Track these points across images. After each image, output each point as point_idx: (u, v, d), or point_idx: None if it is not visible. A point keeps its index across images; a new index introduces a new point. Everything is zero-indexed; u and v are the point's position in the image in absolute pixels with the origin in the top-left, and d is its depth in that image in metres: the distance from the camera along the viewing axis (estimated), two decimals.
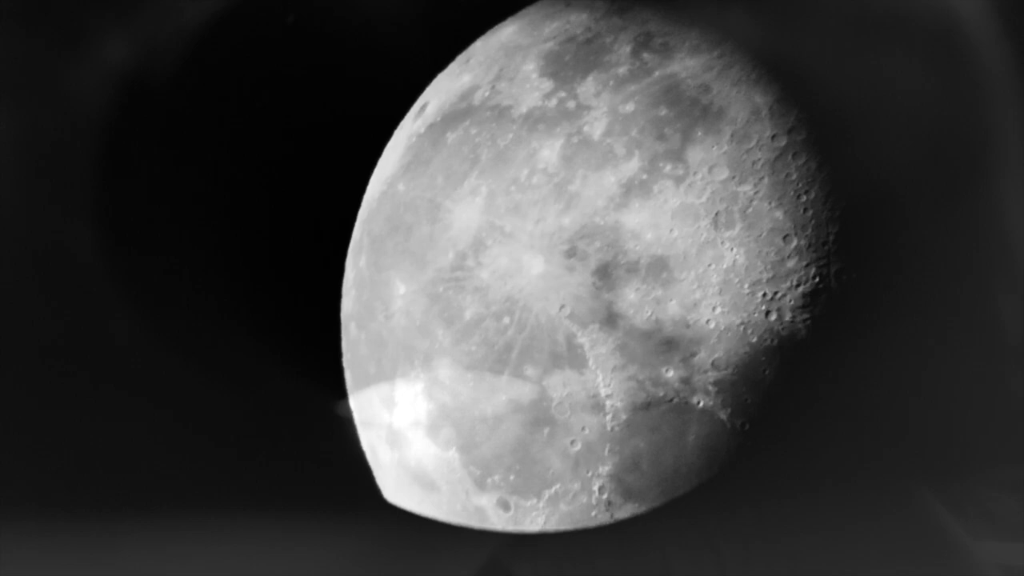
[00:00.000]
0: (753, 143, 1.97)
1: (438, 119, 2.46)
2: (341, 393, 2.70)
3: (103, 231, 2.97)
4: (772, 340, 1.91)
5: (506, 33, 2.57)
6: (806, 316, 1.91)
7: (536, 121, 2.18)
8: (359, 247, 2.65)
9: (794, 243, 1.92)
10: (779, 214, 1.92)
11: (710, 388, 1.93)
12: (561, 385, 2.03)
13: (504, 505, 2.18)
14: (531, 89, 2.25)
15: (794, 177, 1.94)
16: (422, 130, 2.51)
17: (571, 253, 2.02)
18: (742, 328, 1.91)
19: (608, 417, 2.00)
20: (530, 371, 2.06)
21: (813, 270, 1.91)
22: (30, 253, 2.84)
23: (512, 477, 2.14)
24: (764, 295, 1.91)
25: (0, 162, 2.80)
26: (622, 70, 2.14)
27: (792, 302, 1.91)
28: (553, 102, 2.18)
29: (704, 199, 1.94)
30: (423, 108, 2.63)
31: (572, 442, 2.04)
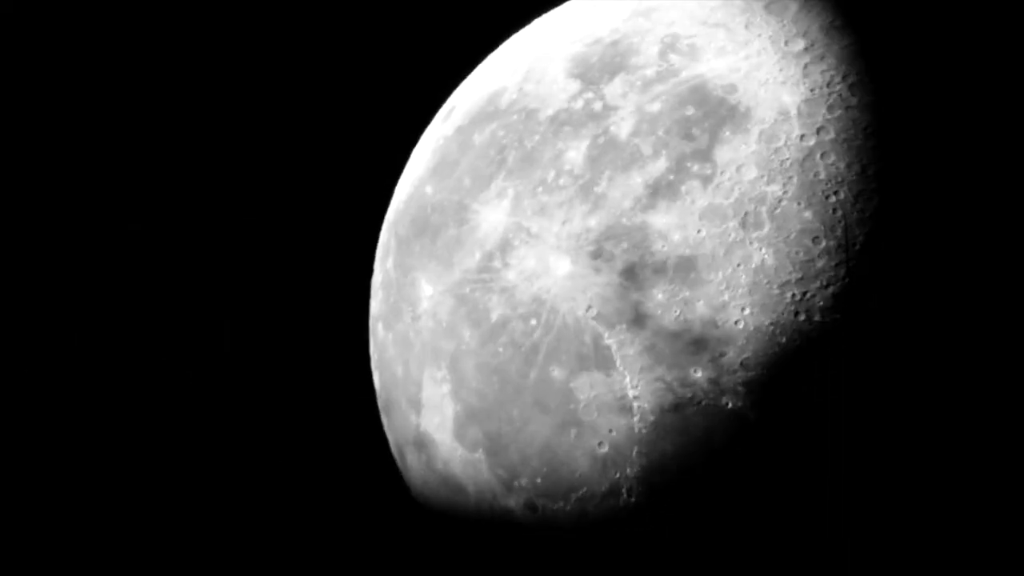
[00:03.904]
0: (781, 142, 1.96)
1: (465, 121, 2.47)
2: (369, 394, 2.72)
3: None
4: (802, 341, 1.89)
5: (533, 35, 2.58)
6: (836, 317, 1.89)
7: (562, 123, 2.18)
8: (386, 249, 2.67)
9: (823, 244, 1.90)
10: (808, 214, 1.91)
11: (739, 389, 1.91)
12: (588, 387, 2.02)
13: (531, 508, 2.17)
14: (558, 91, 2.25)
15: (823, 177, 1.93)
16: (449, 132, 2.53)
17: (597, 254, 2.02)
18: (771, 329, 1.89)
19: (636, 419, 1.99)
20: (557, 373, 2.06)
21: (843, 271, 1.89)
22: None
23: (539, 480, 2.13)
24: (793, 296, 1.89)
25: None
26: (649, 71, 2.14)
27: (822, 303, 1.89)
28: (580, 103, 2.18)
29: (732, 199, 1.93)
30: (451, 111, 2.64)
31: (599, 444, 2.03)
